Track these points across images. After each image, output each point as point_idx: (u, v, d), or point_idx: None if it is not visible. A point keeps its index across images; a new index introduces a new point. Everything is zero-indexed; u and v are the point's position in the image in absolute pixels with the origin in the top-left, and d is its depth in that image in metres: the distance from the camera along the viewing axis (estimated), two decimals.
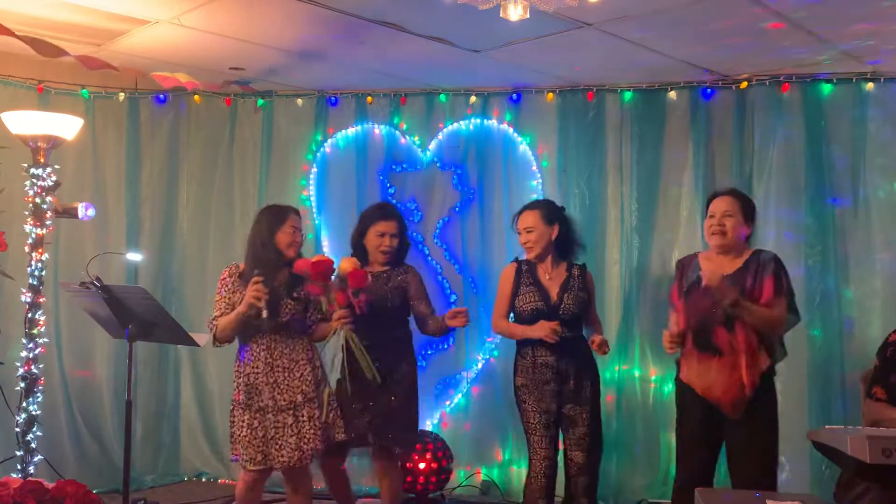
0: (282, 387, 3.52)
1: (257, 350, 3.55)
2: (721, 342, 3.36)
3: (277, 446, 3.48)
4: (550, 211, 3.82)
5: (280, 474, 3.61)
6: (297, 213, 3.72)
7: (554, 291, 3.76)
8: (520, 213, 3.87)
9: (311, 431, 3.50)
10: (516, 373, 3.79)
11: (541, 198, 4.09)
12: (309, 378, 3.55)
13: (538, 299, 3.74)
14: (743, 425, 3.37)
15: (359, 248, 3.96)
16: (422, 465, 4.66)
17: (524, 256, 3.88)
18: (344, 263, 3.55)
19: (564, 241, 3.83)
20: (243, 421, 3.52)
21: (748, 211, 3.53)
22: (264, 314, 3.41)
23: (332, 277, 3.54)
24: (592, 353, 3.82)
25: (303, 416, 3.51)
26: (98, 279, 3.28)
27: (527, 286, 3.80)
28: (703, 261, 3.54)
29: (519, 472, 4.91)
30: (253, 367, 3.54)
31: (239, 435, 3.53)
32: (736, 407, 3.35)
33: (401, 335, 3.91)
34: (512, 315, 3.87)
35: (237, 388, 3.58)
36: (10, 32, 3.70)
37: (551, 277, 3.80)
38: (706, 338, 3.39)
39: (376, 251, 3.90)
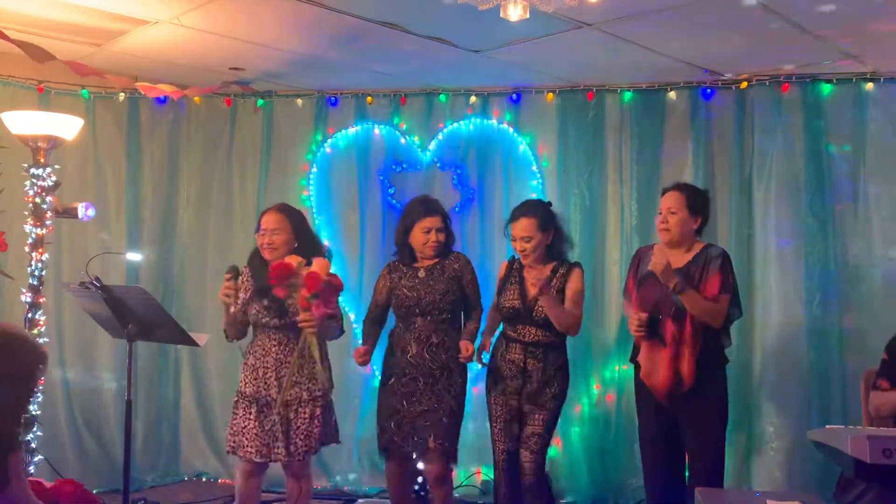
0: (300, 380, 3.50)
1: (269, 345, 3.56)
2: (667, 333, 3.47)
3: (280, 441, 3.48)
4: (545, 218, 3.77)
5: (279, 475, 3.61)
6: (271, 212, 3.63)
7: (532, 292, 3.72)
8: (514, 218, 3.78)
9: (310, 430, 3.50)
10: (491, 358, 3.83)
11: (534, 198, 4.06)
12: (316, 377, 3.53)
13: (516, 298, 3.75)
14: (686, 417, 3.51)
15: (405, 247, 3.92)
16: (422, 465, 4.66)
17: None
18: (313, 266, 3.37)
19: (555, 243, 3.81)
20: (250, 414, 3.53)
21: (695, 203, 3.60)
22: (232, 309, 3.53)
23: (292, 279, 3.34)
24: (567, 363, 3.83)
25: (305, 413, 3.50)
26: (98, 279, 3.28)
27: (511, 283, 3.81)
28: (656, 252, 3.62)
29: None
30: (263, 362, 3.55)
31: (243, 427, 3.53)
32: (670, 398, 3.49)
33: (459, 332, 3.87)
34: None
35: (244, 380, 3.59)
36: (2, 36, 3.70)
37: (517, 280, 3.79)
38: (654, 328, 3.51)
39: (423, 248, 3.86)
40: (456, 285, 3.84)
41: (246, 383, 3.58)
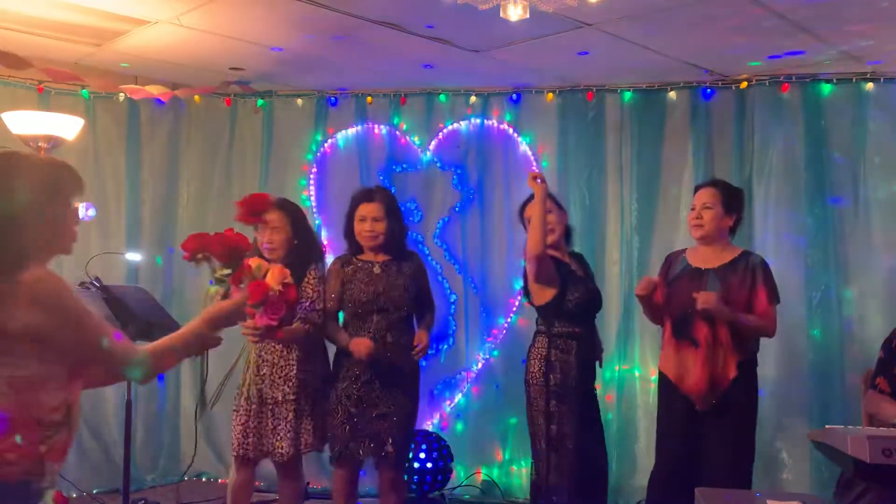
0: (276, 381, 3.49)
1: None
2: (699, 334, 3.39)
3: (274, 439, 3.48)
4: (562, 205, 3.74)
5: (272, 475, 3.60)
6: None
7: (586, 283, 3.60)
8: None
9: (286, 433, 3.48)
10: (551, 371, 3.41)
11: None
12: (301, 376, 3.52)
13: (582, 292, 3.53)
14: (718, 420, 3.38)
15: (352, 242, 3.70)
16: (420, 465, 4.67)
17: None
18: (269, 274, 3.03)
19: (568, 233, 3.72)
20: (239, 409, 3.53)
21: (731, 201, 3.53)
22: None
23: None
24: None
25: (280, 415, 3.49)
26: (98, 279, 3.29)
27: (573, 274, 3.55)
28: (689, 255, 3.59)
29: (519, 472, 4.91)
30: (247, 357, 3.50)
31: (234, 425, 3.55)
32: (705, 400, 3.38)
33: (413, 333, 3.70)
34: (544, 310, 3.55)
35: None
36: None
37: (573, 269, 3.59)
38: (685, 328, 3.42)
39: (361, 239, 3.63)
40: (414, 284, 3.66)
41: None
